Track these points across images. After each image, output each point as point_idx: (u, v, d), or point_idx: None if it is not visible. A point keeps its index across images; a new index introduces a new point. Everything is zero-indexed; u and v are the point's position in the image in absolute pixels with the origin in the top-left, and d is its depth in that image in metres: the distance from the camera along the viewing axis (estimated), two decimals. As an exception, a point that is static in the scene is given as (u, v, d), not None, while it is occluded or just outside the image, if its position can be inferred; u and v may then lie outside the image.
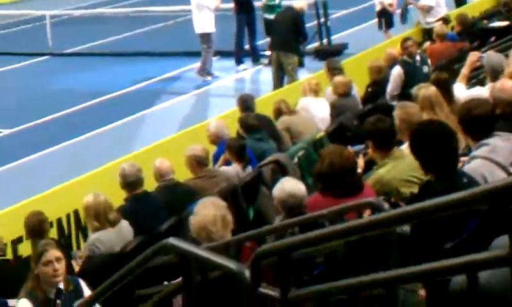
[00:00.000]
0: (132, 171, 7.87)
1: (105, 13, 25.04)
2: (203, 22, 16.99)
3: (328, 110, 10.91)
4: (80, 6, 28.17)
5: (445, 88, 8.27)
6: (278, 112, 10.56)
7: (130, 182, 7.87)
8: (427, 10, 15.84)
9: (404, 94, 9.93)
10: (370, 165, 7.09)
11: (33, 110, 15.83)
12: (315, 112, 10.80)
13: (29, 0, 29.84)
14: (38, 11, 24.11)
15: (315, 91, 11.11)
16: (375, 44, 15.88)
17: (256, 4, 18.05)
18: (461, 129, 5.87)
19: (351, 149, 7.13)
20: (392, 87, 11.01)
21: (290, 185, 6.07)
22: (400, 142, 6.94)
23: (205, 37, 17.05)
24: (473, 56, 9.73)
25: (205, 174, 8.46)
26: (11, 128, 14.76)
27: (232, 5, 18.05)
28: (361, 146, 8.10)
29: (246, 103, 10.54)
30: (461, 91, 8.73)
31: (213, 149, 9.46)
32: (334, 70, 11.57)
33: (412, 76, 10.88)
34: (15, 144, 14.04)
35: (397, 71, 11.11)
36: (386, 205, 5.20)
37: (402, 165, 6.30)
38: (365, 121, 7.02)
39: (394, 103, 9.59)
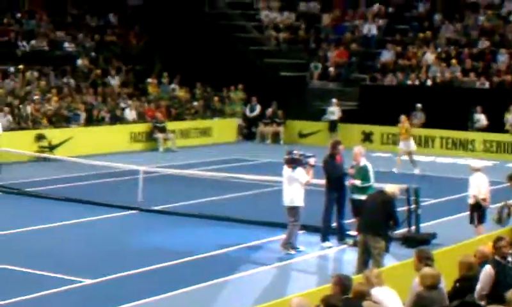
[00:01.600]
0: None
1: (195, 175, 25.40)
2: (293, 195, 17.04)
3: (398, 300, 10.59)
4: (173, 164, 28.71)
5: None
6: (360, 295, 10.24)
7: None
8: None
9: (494, 295, 9.62)
10: None
11: (115, 263, 15.93)
12: (389, 303, 10.48)
13: (122, 154, 30.67)
14: (131, 166, 24.63)
15: (379, 283, 10.78)
16: (463, 237, 15.60)
17: (347, 183, 18.03)
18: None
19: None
20: (481, 286, 10.71)
21: None
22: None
23: (293, 210, 17.05)
24: None
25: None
26: (92, 279, 14.80)
27: (323, 181, 18.09)
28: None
29: (345, 285, 10.19)
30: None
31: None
32: (425, 260, 11.29)
33: (504, 277, 10.57)
34: (94, 295, 14.03)
35: (488, 271, 10.82)
36: None
37: None
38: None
39: (483, 303, 9.28)
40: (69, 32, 38.81)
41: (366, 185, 17.24)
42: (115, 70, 37.80)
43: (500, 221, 16.34)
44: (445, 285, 11.15)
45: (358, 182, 17.43)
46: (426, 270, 10.77)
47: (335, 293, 9.93)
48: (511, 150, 33.53)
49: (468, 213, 17.56)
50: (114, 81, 36.96)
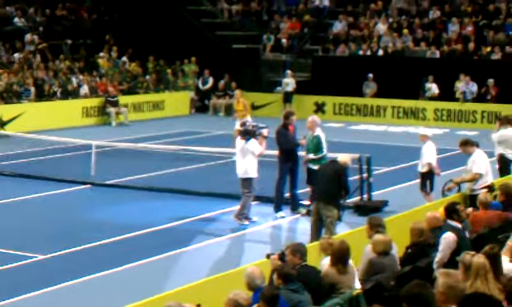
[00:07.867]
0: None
1: (148, 148, 25.28)
2: (246, 167, 17.06)
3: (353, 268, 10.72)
4: (126, 138, 28.52)
5: (495, 261, 8.08)
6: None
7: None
8: (476, 179, 15.61)
9: (453, 261, 9.72)
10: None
11: (68, 239, 15.81)
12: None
13: (74, 129, 30.44)
14: (84, 140, 24.44)
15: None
16: (415, 204, 15.77)
17: (301, 153, 18.09)
18: (506, 303, 5.70)
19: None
20: (443, 254, 10.74)
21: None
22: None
23: (247, 182, 17.09)
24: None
25: (237, 323, 8.26)
26: (45, 254, 14.71)
27: (276, 152, 18.14)
28: None
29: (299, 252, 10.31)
30: (505, 264, 8.55)
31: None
32: (376, 227, 11.41)
33: (463, 243, 10.69)
34: (47, 271, 13.96)
35: (451, 238, 10.87)
36: None
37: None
38: (404, 285, 6.85)
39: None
40: (19, 6, 38.23)
41: (319, 156, 17.34)
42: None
43: (442, 193, 16.51)
44: (397, 251, 11.29)
45: (311, 156, 17.48)
46: (378, 236, 10.89)
47: (290, 263, 10.05)
48: (461, 118, 33.89)
49: (418, 180, 17.61)
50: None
